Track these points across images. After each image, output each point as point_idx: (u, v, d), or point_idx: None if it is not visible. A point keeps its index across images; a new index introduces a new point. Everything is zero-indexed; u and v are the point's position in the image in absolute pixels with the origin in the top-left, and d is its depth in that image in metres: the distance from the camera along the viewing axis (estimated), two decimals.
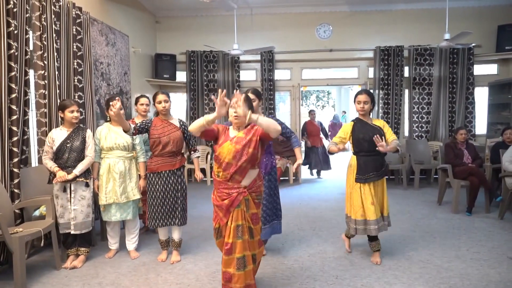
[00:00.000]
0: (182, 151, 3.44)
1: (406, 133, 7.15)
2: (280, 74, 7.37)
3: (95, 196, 3.54)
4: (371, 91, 7.00)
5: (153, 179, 3.29)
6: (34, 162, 3.89)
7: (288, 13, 7.07)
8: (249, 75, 7.41)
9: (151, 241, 3.87)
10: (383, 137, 3.09)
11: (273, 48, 6.41)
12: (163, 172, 3.27)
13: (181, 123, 3.40)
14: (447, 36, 5.53)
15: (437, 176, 6.10)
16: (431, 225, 4.29)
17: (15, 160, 3.28)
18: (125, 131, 3.10)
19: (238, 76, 7.14)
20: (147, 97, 4.04)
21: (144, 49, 6.62)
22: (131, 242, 3.53)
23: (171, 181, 3.29)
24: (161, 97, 3.30)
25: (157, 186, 3.27)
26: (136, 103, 4.00)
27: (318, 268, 3.15)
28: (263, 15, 7.04)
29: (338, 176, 7.72)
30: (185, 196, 3.39)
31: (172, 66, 7.05)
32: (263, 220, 3.20)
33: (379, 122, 3.28)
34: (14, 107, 3.26)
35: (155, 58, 7.00)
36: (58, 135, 3.25)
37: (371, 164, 3.15)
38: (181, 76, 7.22)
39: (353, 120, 3.33)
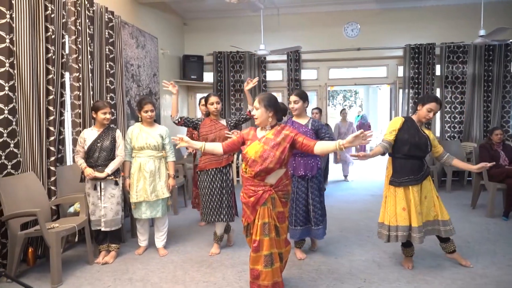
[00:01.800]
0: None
1: (438, 134, 6.91)
2: (307, 74, 7.32)
3: (125, 194, 3.65)
4: (400, 90, 6.84)
5: (202, 176, 3.48)
6: (69, 161, 4.06)
7: (315, 12, 7.01)
8: (275, 75, 7.40)
9: (179, 239, 3.95)
10: (428, 147, 3.00)
11: (300, 48, 6.38)
12: (210, 170, 3.44)
13: (228, 122, 3.59)
14: (482, 32, 5.30)
15: (470, 179, 5.88)
16: (465, 229, 4.13)
17: (52, 158, 3.44)
18: (172, 116, 3.49)
19: (265, 77, 7.16)
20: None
21: (173, 50, 6.76)
22: (160, 239, 3.61)
23: (217, 179, 3.45)
24: (213, 98, 3.54)
25: (205, 183, 3.46)
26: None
27: (345, 271, 3.10)
28: (289, 15, 7.02)
29: (365, 178, 7.58)
30: (230, 193, 3.52)
31: (199, 67, 7.16)
32: (316, 220, 3.26)
33: (428, 132, 3.09)
34: (51, 108, 3.42)
35: (183, 60, 7.13)
36: (89, 135, 3.37)
37: (408, 168, 2.97)
38: (208, 77, 7.32)
39: (404, 117, 3.14)
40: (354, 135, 2.20)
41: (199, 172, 3.51)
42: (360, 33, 6.97)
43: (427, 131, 3.09)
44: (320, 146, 2.41)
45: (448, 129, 6.74)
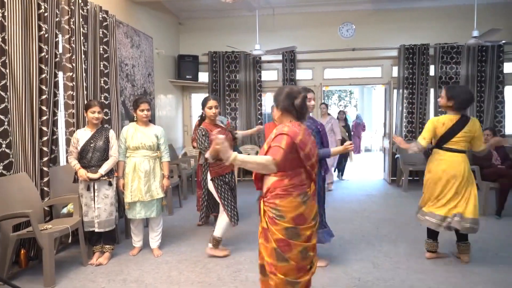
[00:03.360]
0: None
1: None
2: (302, 74, 7.33)
3: (119, 195, 3.63)
4: (395, 91, 6.86)
5: (219, 182, 3.40)
6: (62, 161, 4.02)
7: (310, 13, 7.02)
8: (270, 75, 7.41)
9: (173, 240, 3.94)
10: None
11: (295, 48, 6.39)
12: (227, 174, 3.45)
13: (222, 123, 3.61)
14: (475, 33, 5.35)
15: None
16: None
17: (45, 159, 3.41)
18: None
19: (260, 77, 7.15)
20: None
21: (167, 50, 6.74)
22: (155, 240, 3.59)
23: (231, 181, 3.51)
24: (212, 102, 3.44)
25: (226, 187, 3.42)
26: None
27: (340, 271, 3.11)
28: (285, 15, 7.02)
29: (361, 177, 7.61)
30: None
31: (194, 67, 7.14)
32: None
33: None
34: (44, 108, 3.38)
35: (178, 59, 7.11)
36: (82, 135, 3.35)
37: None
38: (203, 76, 7.30)
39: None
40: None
41: (215, 178, 3.38)
42: (355, 33, 7.00)
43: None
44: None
45: None
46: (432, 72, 6.77)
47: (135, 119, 3.54)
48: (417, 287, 2.80)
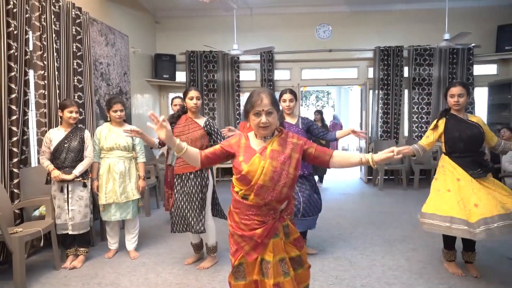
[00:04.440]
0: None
1: (406, 133, 7.15)
2: (280, 74, 7.37)
3: (94, 196, 3.54)
4: (370, 91, 7.01)
5: (177, 181, 3.12)
6: (33, 162, 3.89)
7: (287, 13, 7.07)
8: (248, 75, 7.41)
9: (150, 242, 3.88)
10: (483, 136, 2.81)
11: (273, 48, 6.41)
12: (185, 174, 3.07)
13: (207, 123, 3.15)
14: (446, 36, 5.54)
15: None
16: None
17: (15, 160, 3.28)
18: (152, 148, 2.82)
19: (238, 76, 7.15)
20: (181, 98, 4.20)
21: (144, 49, 6.62)
22: (131, 242, 3.53)
23: (192, 184, 3.08)
24: (193, 93, 3.10)
25: (178, 188, 3.12)
26: (171, 103, 4.33)
27: (317, 268, 3.14)
28: (262, 15, 7.04)
29: (337, 177, 7.72)
30: (204, 202, 3.18)
31: (171, 66, 7.05)
32: (303, 212, 3.17)
33: (476, 118, 2.91)
34: (14, 107, 3.26)
35: (154, 58, 7.00)
36: (56, 135, 3.25)
37: (471, 164, 2.78)
38: (181, 76, 7.23)
39: (443, 116, 2.94)
40: (386, 154, 1.76)
41: (176, 176, 3.16)
42: (332, 34, 7.10)
43: (475, 118, 2.91)
44: (339, 159, 1.84)
45: (416, 129, 6.98)
46: (406, 73, 6.96)
47: (108, 120, 3.46)
48: (392, 284, 2.86)
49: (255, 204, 1.78)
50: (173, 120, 3.22)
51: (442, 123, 2.92)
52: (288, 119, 3.25)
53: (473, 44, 6.26)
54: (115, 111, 3.37)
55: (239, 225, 1.83)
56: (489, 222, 2.52)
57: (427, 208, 2.83)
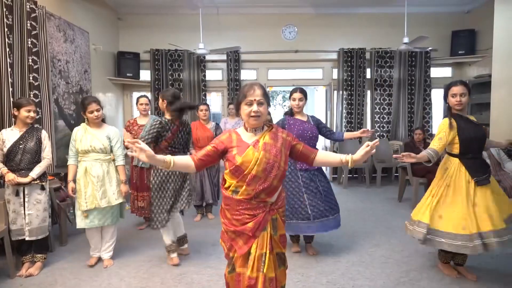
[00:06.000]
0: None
1: None
2: (246, 74, 7.37)
3: (52, 199, 3.37)
4: (335, 92, 7.18)
5: (156, 177, 3.19)
6: None
7: (254, 14, 7.09)
8: (215, 75, 7.36)
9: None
10: (486, 137, 2.74)
11: (239, 48, 6.40)
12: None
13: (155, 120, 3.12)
14: (406, 39, 5.78)
15: (397, 174, 6.35)
16: (392, 221, 4.46)
17: None
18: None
19: (204, 76, 7.07)
20: (146, 97, 4.43)
21: (106, 46, 6.39)
22: (107, 250, 3.32)
23: (174, 178, 3.23)
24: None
25: (159, 184, 3.20)
26: (136, 103, 4.39)
27: None
28: (229, 15, 7.01)
29: None
30: (191, 189, 3.36)
31: (135, 64, 6.86)
32: (325, 212, 3.19)
33: (473, 118, 2.82)
34: None
35: (117, 56, 6.78)
36: (10, 135, 3.06)
37: (480, 167, 2.70)
38: (145, 75, 7.04)
39: (448, 117, 2.76)
40: (364, 149, 1.86)
41: (153, 172, 3.15)
42: (298, 35, 7.19)
43: (472, 118, 2.82)
44: (321, 159, 2.01)
45: (378, 129, 7.22)
46: (368, 75, 7.18)
47: (85, 120, 3.24)
48: (357, 279, 2.94)
49: (245, 198, 1.86)
50: (167, 127, 3.11)
51: (454, 122, 2.73)
52: (298, 117, 3.33)
53: (430, 48, 6.57)
54: (91, 112, 3.16)
55: (231, 221, 1.92)
56: (490, 236, 2.51)
57: (435, 224, 2.75)
